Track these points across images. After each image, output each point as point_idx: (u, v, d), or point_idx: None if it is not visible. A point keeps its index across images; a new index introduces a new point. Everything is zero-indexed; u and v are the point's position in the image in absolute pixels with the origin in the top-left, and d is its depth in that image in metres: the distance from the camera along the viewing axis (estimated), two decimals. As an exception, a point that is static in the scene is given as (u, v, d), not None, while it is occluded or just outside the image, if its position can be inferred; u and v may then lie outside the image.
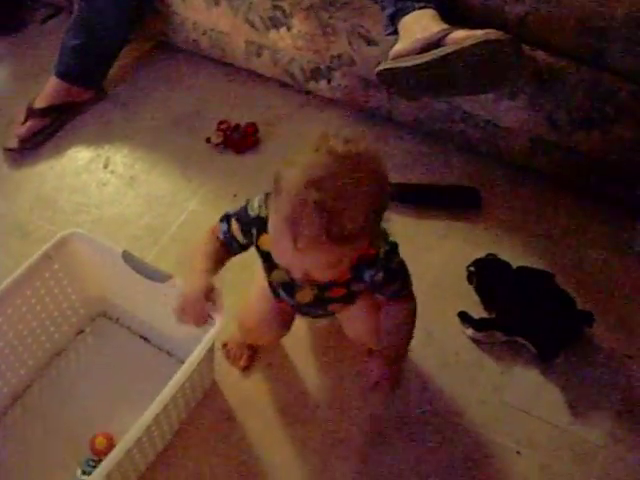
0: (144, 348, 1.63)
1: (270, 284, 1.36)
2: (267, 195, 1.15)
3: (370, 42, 1.79)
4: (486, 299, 1.66)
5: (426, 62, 1.54)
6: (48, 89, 2.04)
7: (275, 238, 1.05)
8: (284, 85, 2.14)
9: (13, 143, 2.00)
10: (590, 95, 1.63)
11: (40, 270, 1.50)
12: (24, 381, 1.56)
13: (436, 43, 1.53)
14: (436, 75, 1.56)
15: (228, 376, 1.58)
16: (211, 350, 1.46)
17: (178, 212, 1.86)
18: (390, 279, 1.22)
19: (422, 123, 1.95)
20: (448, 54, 1.51)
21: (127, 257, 1.47)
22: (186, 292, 1.26)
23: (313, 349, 1.62)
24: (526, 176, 1.92)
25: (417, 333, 1.35)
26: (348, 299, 1.33)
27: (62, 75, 2.04)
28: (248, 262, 1.36)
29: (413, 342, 1.37)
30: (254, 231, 1.22)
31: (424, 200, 1.85)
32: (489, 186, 1.90)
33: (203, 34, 2.12)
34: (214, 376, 1.57)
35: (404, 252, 1.24)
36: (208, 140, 2.00)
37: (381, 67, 1.62)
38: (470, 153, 1.96)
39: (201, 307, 1.25)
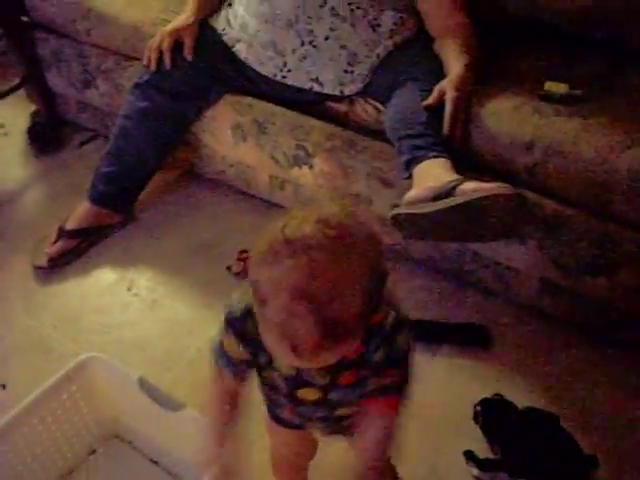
0: (153, 471, 1.65)
1: (268, 390, 1.18)
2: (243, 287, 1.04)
3: (387, 184, 1.89)
4: (492, 439, 1.67)
5: (437, 210, 1.62)
6: (79, 212, 2.16)
7: (271, 346, 0.93)
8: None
9: (42, 261, 2.09)
10: (596, 243, 1.70)
11: (59, 391, 1.55)
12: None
13: (447, 192, 1.62)
14: (446, 222, 1.64)
15: None
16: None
17: (196, 338, 1.91)
18: (391, 362, 1.03)
19: (435, 261, 2.02)
20: (458, 204, 1.59)
21: (143, 384, 1.53)
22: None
23: None
24: (536, 316, 1.96)
25: (421, 468, 1.38)
26: (357, 388, 1.10)
27: (94, 200, 2.16)
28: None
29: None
30: (249, 324, 1.02)
31: (435, 337, 1.89)
32: (499, 324, 1.94)
33: (230, 166, 2.24)
34: None
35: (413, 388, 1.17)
36: (229, 268, 2.08)
37: (395, 212, 1.70)
38: (482, 291, 2.02)
39: None
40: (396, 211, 1.69)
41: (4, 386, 1.81)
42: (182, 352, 1.87)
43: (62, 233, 2.13)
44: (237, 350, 1.08)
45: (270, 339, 0.91)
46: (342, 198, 1.06)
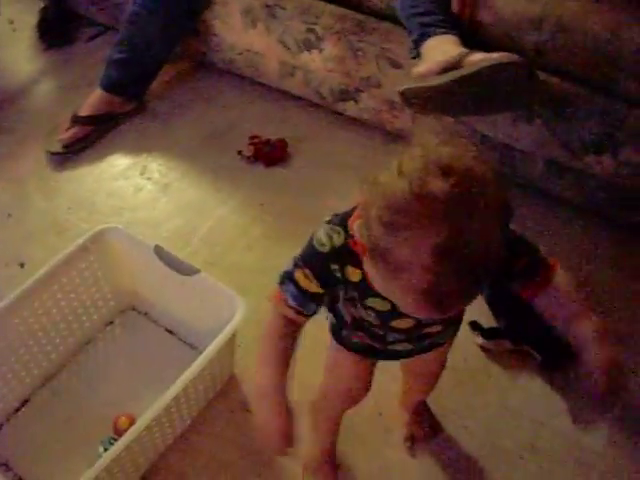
0: (169, 340, 1.73)
1: (352, 321, 1.14)
2: (330, 222, 1.00)
3: (396, 65, 1.91)
4: (496, 310, 1.73)
5: (445, 83, 1.64)
6: (92, 99, 2.18)
7: (406, 306, 0.86)
8: (314, 105, 2.25)
9: (57, 147, 2.13)
10: (601, 120, 1.72)
11: (77, 260, 1.61)
12: (54, 365, 1.66)
13: (455, 65, 1.64)
14: (454, 95, 1.65)
15: (247, 369, 1.66)
16: (232, 342, 1.55)
17: (208, 218, 1.97)
18: (515, 255, 0.96)
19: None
20: (465, 75, 1.60)
21: (159, 251, 1.58)
22: (262, 428, 1.03)
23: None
24: (542, 197, 2.00)
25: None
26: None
27: (106, 87, 2.18)
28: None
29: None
30: (334, 266, 0.99)
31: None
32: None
33: (239, 54, 2.25)
34: (234, 369, 1.66)
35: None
36: (239, 153, 2.12)
37: (404, 87, 1.72)
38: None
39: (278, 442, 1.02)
40: (405, 86, 1.71)
41: (22, 265, 1.87)
42: (195, 231, 1.92)
43: (76, 120, 2.16)
44: (308, 282, 1.02)
45: (407, 302, 0.84)
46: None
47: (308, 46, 2.03)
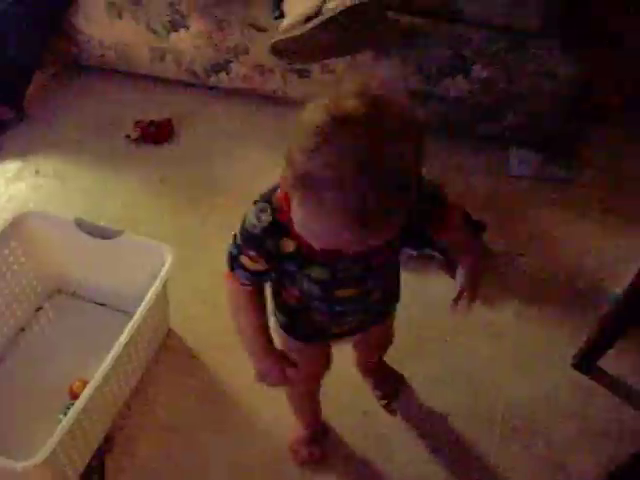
0: (103, 312, 1.80)
1: (301, 297, 1.20)
2: (256, 202, 1.05)
3: (260, 29, 2.08)
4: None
5: (308, 30, 1.84)
6: (-28, 110, 2.22)
7: (329, 236, 0.89)
8: (189, 84, 2.39)
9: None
10: (449, 45, 1.97)
11: (4, 242, 1.66)
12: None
13: (316, 13, 1.83)
14: (319, 40, 1.85)
15: (183, 322, 1.78)
16: (164, 293, 1.66)
17: (112, 199, 2.07)
18: (423, 201, 1.01)
19: (315, 96, 2.22)
20: (324, 21, 1.82)
21: (80, 222, 1.66)
22: (263, 371, 1.21)
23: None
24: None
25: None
26: (390, 259, 1.20)
27: (-17, 95, 2.22)
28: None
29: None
30: (269, 242, 1.05)
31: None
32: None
33: (109, 49, 2.35)
34: (170, 323, 1.77)
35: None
36: (128, 136, 2.23)
37: (274, 40, 1.90)
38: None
39: (282, 380, 1.22)
40: (275, 39, 1.89)
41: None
42: (103, 212, 2.00)
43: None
44: (254, 264, 1.09)
45: (330, 228, 0.86)
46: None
47: (175, 26, 2.17)
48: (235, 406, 1.64)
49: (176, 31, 2.18)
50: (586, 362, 1.68)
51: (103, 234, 1.65)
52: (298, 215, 0.90)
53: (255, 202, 1.05)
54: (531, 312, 1.80)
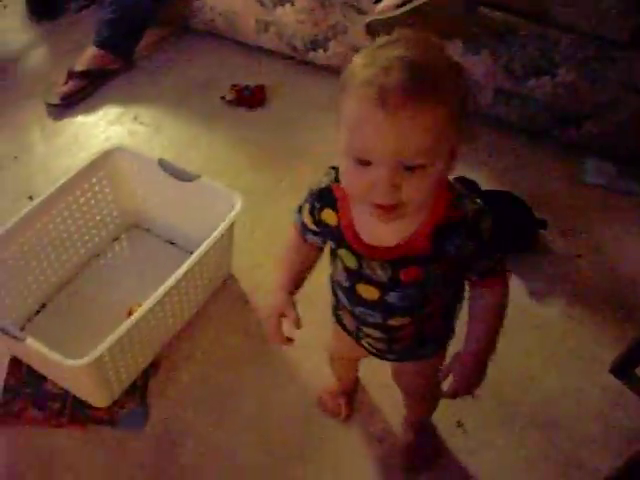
0: (171, 250, 1.94)
1: (334, 285, 1.21)
2: (331, 166, 1.08)
3: (360, 11, 2.17)
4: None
5: (401, 13, 1.93)
6: (87, 55, 2.41)
7: (355, 121, 0.88)
8: (288, 57, 2.52)
9: (55, 99, 2.35)
10: (538, 45, 2.00)
11: (87, 176, 1.82)
12: (69, 273, 1.87)
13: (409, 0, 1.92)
14: (409, 25, 1.92)
15: (244, 270, 1.90)
16: (229, 236, 1.77)
17: (199, 151, 2.21)
18: (482, 252, 1.02)
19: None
20: (412, 8, 1.90)
21: (162, 162, 1.80)
22: (265, 306, 1.22)
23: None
24: (493, 125, 2.27)
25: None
26: (419, 288, 1.08)
27: (99, 44, 2.41)
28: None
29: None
30: (317, 204, 1.09)
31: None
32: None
33: (219, 15, 2.50)
34: (231, 270, 1.89)
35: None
36: (223, 98, 2.36)
37: (369, 19, 1.99)
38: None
39: (274, 325, 1.18)
40: (370, 18, 1.98)
41: (31, 197, 2.06)
42: (189, 162, 2.08)
43: (71, 75, 2.38)
44: (307, 218, 1.13)
45: (356, 109, 0.87)
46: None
47: (282, 0, 2.29)
48: (278, 351, 1.72)
49: (282, 5, 2.30)
50: (624, 369, 1.69)
51: (182, 176, 1.79)
52: (339, 148, 0.93)
53: (332, 166, 1.07)
54: (577, 313, 1.81)
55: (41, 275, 1.79)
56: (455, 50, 2.09)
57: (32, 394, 1.63)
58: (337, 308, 1.27)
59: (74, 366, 1.40)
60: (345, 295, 1.17)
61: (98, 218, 1.90)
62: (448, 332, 1.24)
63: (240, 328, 1.78)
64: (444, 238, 0.98)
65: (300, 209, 1.15)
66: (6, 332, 1.44)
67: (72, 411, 1.61)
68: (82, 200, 1.82)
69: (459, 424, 1.61)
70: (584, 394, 1.67)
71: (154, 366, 1.70)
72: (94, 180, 1.83)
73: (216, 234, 1.64)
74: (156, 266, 1.87)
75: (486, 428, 1.61)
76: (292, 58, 2.50)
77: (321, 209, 1.08)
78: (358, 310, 1.16)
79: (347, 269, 1.10)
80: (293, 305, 1.16)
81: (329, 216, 1.07)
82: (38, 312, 1.79)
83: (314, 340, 1.47)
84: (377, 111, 0.84)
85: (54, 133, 2.29)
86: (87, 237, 1.89)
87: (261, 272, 1.89)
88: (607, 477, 1.42)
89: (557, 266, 1.92)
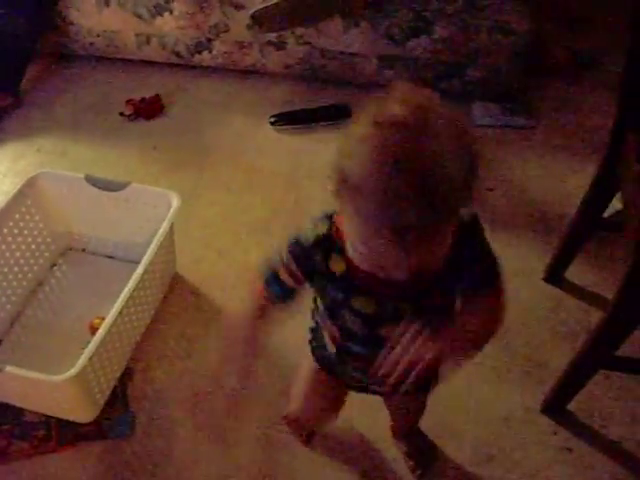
0: (113, 264, 1.97)
1: (339, 337, 1.12)
2: (314, 218, 1.01)
3: (238, 7, 2.27)
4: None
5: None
6: (-26, 98, 2.39)
7: (367, 240, 0.84)
8: (174, 65, 2.59)
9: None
10: (412, 8, 2.17)
11: (17, 205, 1.82)
12: (17, 307, 1.86)
13: None
14: (294, 7, 2.06)
15: (188, 266, 1.96)
16: (170, 239, 1.83)
17: (110, 169, 2.23)
18: (477, 254, 1.01)
19: (292, 67, 2.44)
20: None
21: (89, 178, 1.84)
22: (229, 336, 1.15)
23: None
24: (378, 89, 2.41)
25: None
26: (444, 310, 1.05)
27: (-17, 84, 2.39)
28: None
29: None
30: (318, 257, 0.99)
31: (309, 120, 2.35)
32: (355, 105, 2.38)
33: (97, 36, 2.53)
34: (176, 267, 1.95)
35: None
36: (121, 114, 2.41)
37: (253, 10, 2.11)
38: (334, 82, 2.48)
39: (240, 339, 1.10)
40: (254, 9, 2.10)
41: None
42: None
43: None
44: (291, 279, 1.04)
45: (367, 230, 0.82)
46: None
47: (160, 10, 2.36)
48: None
49: (161, 15, 2.37)
50: (555, 275, 1.88)
51: (112, 187, 1.83)
52: (344, 225, 0.88)
53: (313, 218, 1.01)
54: (502, 237, 1.97)
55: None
56: (335, 27, 2.23)
57: (12, 429, 1.63)
58: (331, 362, 1.20)
59: (60, 380, 1.42)
60: (362, 343, 1.09)
61: (33, 247, 1.90)
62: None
63: (199, 321, 1.84)
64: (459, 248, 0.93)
65: (275, 278, 1.05)
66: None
67: (59, 434, 1.62)
68: (16, 231, 1.83)
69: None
70: (529, 305, 1.84)
71: (128, 372, 1.73)
72: (23, 210, 1.84)
73: (161, 233, 1.70)
74: (102, 282, 1.91)
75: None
76: (179, 65, 2.57)
77: (327, 257, 0.99)
78: (381, 353, 1.04)
79: (363, 315, 1.03)
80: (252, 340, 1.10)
81: (337, 263, 0.99)
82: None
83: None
84: (394, 247, 0.80)
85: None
86: (26, 268, 1.88)
87: (204, 265, 1.96)
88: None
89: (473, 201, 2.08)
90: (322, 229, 0.98)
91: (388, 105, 0.80)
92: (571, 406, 1.63)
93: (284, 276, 1.04)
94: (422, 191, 0.76)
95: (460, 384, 1.67)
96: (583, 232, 1.76)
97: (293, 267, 1.02)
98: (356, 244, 0.86)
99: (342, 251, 0.95)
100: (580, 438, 1.60)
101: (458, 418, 1.64)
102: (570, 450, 1.58)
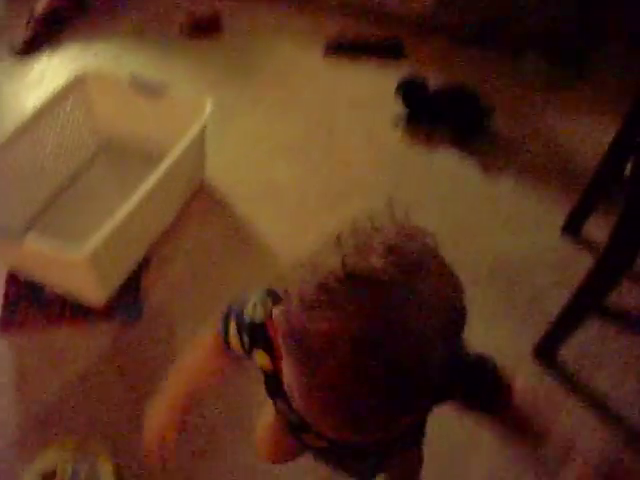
0: (148, 165, 1.95)
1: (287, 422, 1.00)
2: (268, 290, 0.89)
3: None
4: (409, 104, 2.15)
5: None
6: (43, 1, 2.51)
7: (313, 416, 0.68)
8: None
9: (18, 43, 2.44)
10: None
11: (63, 99, 1.92)
12: (55, 190, 1.97)
13: None
14: None
15: (216, 173, 2.03)
16: (201, 143, 1.90)
17: (161, 76, 2.27)
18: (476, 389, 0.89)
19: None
20: None
21: (134, 76, 1.92)
22: (149, 424, 1.00)
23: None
24: (438, 33, 2.45)
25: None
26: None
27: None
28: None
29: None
30: (246, 339, 0.88)
31: (359, 51, 2.37)
32: (408, 42, 2.41)
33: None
34: (204, 174, 2.01)
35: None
36: (180, 26, 2.51)
37: None
38: (390, 19, 2.50)
39: (155, 446, 0.98)
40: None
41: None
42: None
43: (31, 20, 2.47)
44: (240, 348, 0.91)
45: (314, 407, 0.66)
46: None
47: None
48: (257, 245, 1.86)
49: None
50: (573, 226, 1.87)
51: (153, 88, 1.90)
52: (286, 372, 0.70)
53: (268, 289, 0.89)
54: (527, 186, 1.99)
55: (28, 193, 1.89)
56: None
57: (32, 302, 1.74)
58: (293, 426, 1.00)
59: (73, 258, 1.51)
60: (291, 433, 0.99)
61: (73, 139, 1.99)
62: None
63: (219, 224, 1.91)
64: None
65: (226, 322, 0.93)
66: (7, 232, 1.55)
67: (72, 311, 1.72)
68: (60, 123, 1.92)
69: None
70: (540, 252, 1.84)
71: (145, 262, 1.81)
72: (67, 107, 1.93)
73: (191, 132, 1.76)
74: (134, 179, 1.94)
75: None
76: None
77: (251, 347, 0.87)
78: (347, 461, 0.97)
79: (288, 421, 0.94)
80: (176, 428, 0.98)
81: (262, 358, 0.86)
82: (28, 229, 1.85)
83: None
84: (344, 428, 0.66)
85: (20, 74, 2.38)
86: (67, 157, 1.98)
87: (233, 176, 2.03)
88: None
89: (506, 147, 2.10)
90: (259, 315, 0.86)
91: (368, 250, 0.64)
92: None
93: (232, 338, 0.92)
94: (389, 378, 0.62)
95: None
96: (603, 184, 1.74)
97: (234, 325, 0.91)
98: (294, 395, 0.68)
99: (270, 349, 0.84)
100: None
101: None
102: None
